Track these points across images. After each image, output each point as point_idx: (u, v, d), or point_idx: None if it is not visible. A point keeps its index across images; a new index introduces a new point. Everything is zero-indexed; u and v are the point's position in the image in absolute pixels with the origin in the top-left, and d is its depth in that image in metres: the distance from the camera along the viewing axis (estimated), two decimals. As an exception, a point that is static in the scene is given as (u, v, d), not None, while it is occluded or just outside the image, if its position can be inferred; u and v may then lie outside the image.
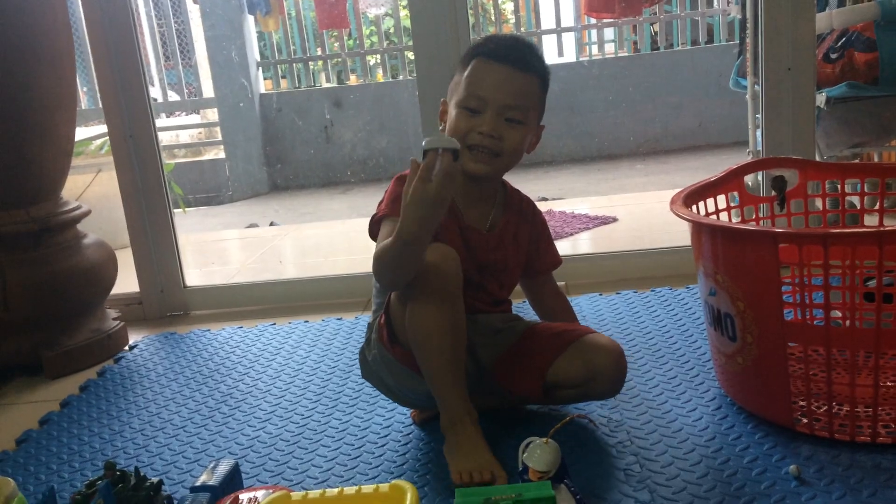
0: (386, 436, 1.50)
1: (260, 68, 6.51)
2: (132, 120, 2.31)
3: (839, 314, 1.37)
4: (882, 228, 1.26)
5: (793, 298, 1.30)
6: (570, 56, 6.65)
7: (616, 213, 3.43)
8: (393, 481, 0.95)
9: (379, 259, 1.27)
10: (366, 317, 2.20)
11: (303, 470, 1.41)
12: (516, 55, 1.38)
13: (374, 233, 1.40)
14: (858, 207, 1.70)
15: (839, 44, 2.48)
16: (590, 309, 2.10)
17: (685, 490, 1.24)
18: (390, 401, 1.64)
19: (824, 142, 2.55)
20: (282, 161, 6.39)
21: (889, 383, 1.28)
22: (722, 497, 1.21)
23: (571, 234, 3.15)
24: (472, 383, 1.37)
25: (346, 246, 3.50)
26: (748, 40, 2.62)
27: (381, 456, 1.43)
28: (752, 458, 1.31)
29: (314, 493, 0.95)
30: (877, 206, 1.62)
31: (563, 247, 3.01)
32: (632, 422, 1.46)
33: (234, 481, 1.25)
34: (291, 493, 0.96)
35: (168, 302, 2.41)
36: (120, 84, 2.30)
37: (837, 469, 1.25)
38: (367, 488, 0.95)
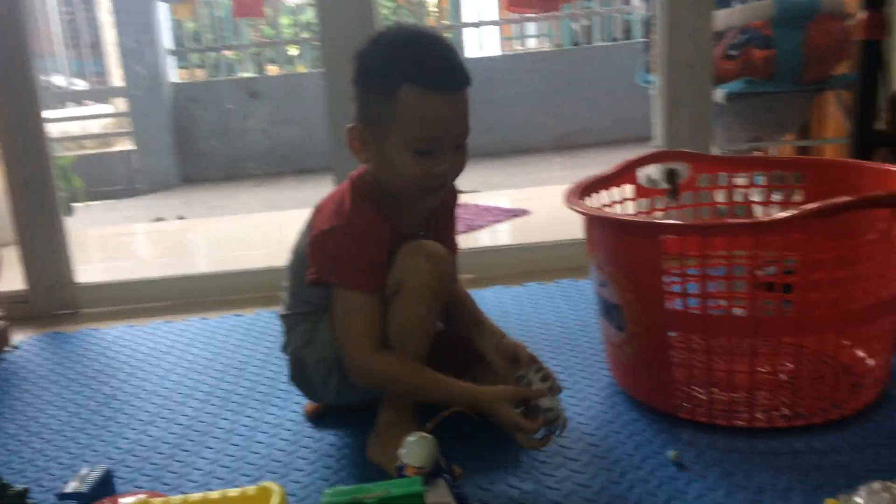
0: (274, 435, 1.47)
1: (174, 57, 6.32)
2: (17, 111, 2.20)
3: (724, 303, 1.40)
4: (757, 220, 1.29)
5: (681, 288, 1.32)
6: (490, 50, 6.68)
7: (530, 206, 3.46)
8: (261, 483, 0.92)
9: (397, 385, 1.30)
10: (266, 313, 2.15)
11: (183, 474, 1.36)
12: (454, 77, 1.23)
13: (315, 267, 1.32)
14: (755, 200, 1.74)
15: (739, 41, 2.54)
16: (493, 301, 2.10)
17: (569, 479, 1.25)
18: (284, 397, 1.60)
19: (724, 136, 2.61)
20: (194, 153, 6.22)
21: (764, 370, 1.32)
22: (604, 484, 1.23)
23: (483, 227, 3.16)
24: None
25: (252, 241, 3.42)
26: (654, 37, 2.67)
27: (266, 456, 1.39)
28: (636, 445, 1.33)
29: (176, 499, 0.91)
30: (770, 199, 1.66)
31: (475, 239, 3.02)
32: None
33: (105, 487, 1.20)
34: (151, 500, 0.91)
35: (56, 300, 2.30)
36: (3, 73, 2.18)
37: (715, 453, 1.28)
38: (233, 492, 0.92)
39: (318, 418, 1.50)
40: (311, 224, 1.35)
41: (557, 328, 1.88)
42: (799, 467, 1.22)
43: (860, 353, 1.36)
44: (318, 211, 1.36)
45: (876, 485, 0.94)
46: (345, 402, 1.44)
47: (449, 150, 1.25)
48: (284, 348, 1.44)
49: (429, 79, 1.21)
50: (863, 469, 1.19)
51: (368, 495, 0.85)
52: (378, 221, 1.29)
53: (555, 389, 1.28)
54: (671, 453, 1.28)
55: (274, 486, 0.90)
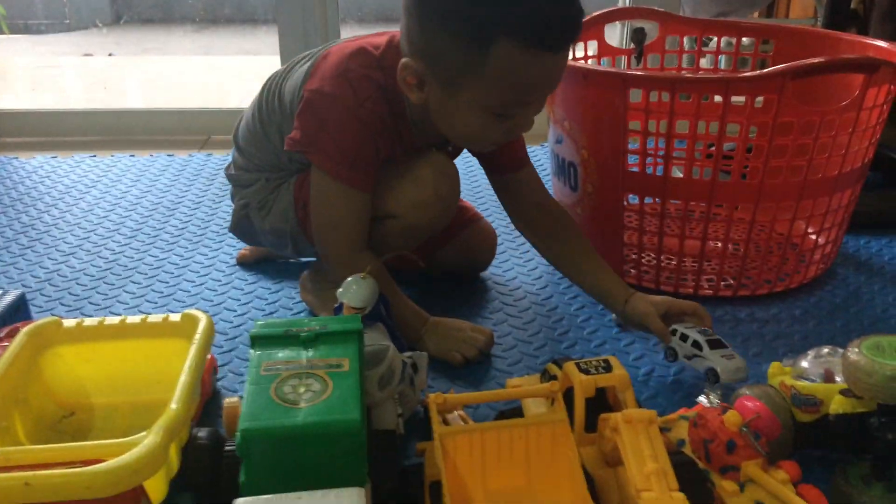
0: (205, 274, 1.39)
1: None
2: None
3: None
4: (729, 75, 1.22)
5: (633, 144, 1.26)
6: None
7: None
8: (186, 310, 0.85)
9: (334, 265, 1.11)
10: (200, 155, 2.02)
11: (106, 306, 1.28)
12: (570, 27, 0.97)
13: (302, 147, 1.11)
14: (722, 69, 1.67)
15: None
16: (441, 160, 2.02)
17: (511, 335, 1.22)
18: (216, 240, 1.52)
19: (690, 7, 2.51)
20: (128, -11, 5.77)
21: (715, 240, 1.29)
22: (545, 341, 1.20)
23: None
24: None
25: (188, 83, 3.22)
26: None
27: (196, 294, 1.32)
28: (580, 307, 1.31)
29: (91, 321, 0.84)
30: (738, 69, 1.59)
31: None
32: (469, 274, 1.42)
33: (18, 312, 1.11)
34: (64, 321, 0.84)
35: (-27, 126, 2.13)
36: None
37: (659, 318, 1.26)
38: (156, 317, 0.85)
39: (255, 263, 1.43)
40: (312, 72, 1.11)
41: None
42: (740, 335, 1.22)
43: (811, 229, 1.34)
44: (324, 58, 1.12)
45: (825, 349, 0.93)
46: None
47: (535, 111, 1.04)
48: (232, 198, 1.31)
49: (537, 32, 0.93)
50: (802, 339, 1.20)
51: (303, 329, 0.79)
52: (391, 119, 1.09)
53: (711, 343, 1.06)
54: (615, 316, 1.26)
55: (200, 314, 0.83)
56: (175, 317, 0.84)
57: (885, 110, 1.26)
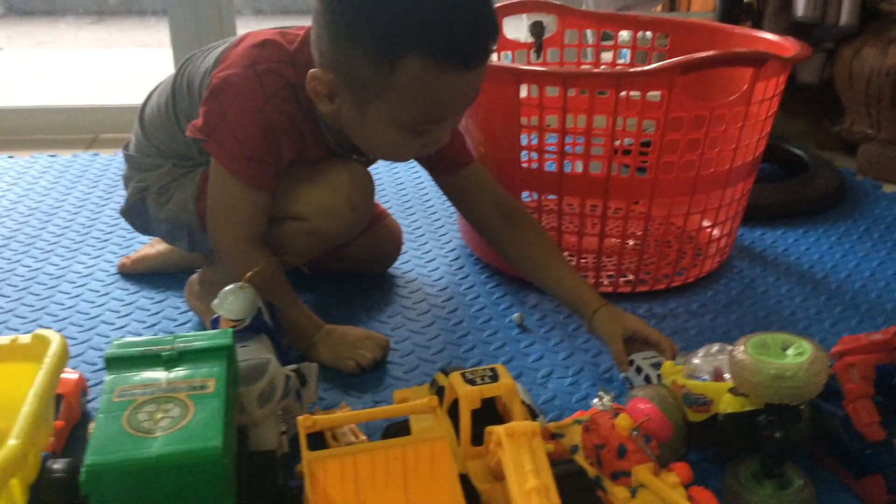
0: (83, 285, 1.30)
1: None
2: None
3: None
4: (619, 70, 1.21)
5: (528, 141, 1.23)
6: None
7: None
8: (36, 331, 0.78)
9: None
10: (86, 155, 1.91)
11: (-32, 322, 1.19)
12: (484, 42, 0.93)
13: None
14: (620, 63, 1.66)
15: None
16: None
17: (409, 339, 1.18)
18: (97, 246, 1.43)
19: (593, 0, 2.52)
20: (18, -21, 5.47)
21: (613, 236, 1.28)
22: (444, 346, 1.17)
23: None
24: None
25: (80, 78, 3.05)
26: None
27: (71, 307, 1.24)
28: (480, 308, 1.28)
29: (-71, 346, 0.76)
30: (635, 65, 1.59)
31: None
32: (366, 276, 1.38)
33: None
34: None
35: None
36: None
37: (559, 317, 1.25)
38: (2, 339, 0.78)
39: (136, 272, 1.34)
40: (223, 58, 1.06)
41: (411, 188, 1.78)
42: (638, 331, 1.21)
43: (706, 223, 1.35)
44: (236, 45, 1.07)
45: (715, 347, 0.92)
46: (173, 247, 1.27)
47: (451, 126, 1.01)
48: (126, 181, 1.21)
49: (448, 48, 0.89)
50: (699, 334, 1.20)
51: (165, 347, 0.73)
52: (301, 120, 1.04)
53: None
54: (515, 316, 1.23)
55: (52, 334, 0.76)
56: (25, 338, 0.77)
57: (774, 104, 1.27)
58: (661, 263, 1.31)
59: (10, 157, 1.89)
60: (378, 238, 1.33)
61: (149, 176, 1.16)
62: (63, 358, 0.74)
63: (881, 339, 0.85)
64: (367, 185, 1.11)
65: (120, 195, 1.64)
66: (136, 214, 1.20)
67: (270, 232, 1.08)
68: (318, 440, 0.91)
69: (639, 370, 1.02)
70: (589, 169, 1.23)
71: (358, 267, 1.35)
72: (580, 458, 0.85)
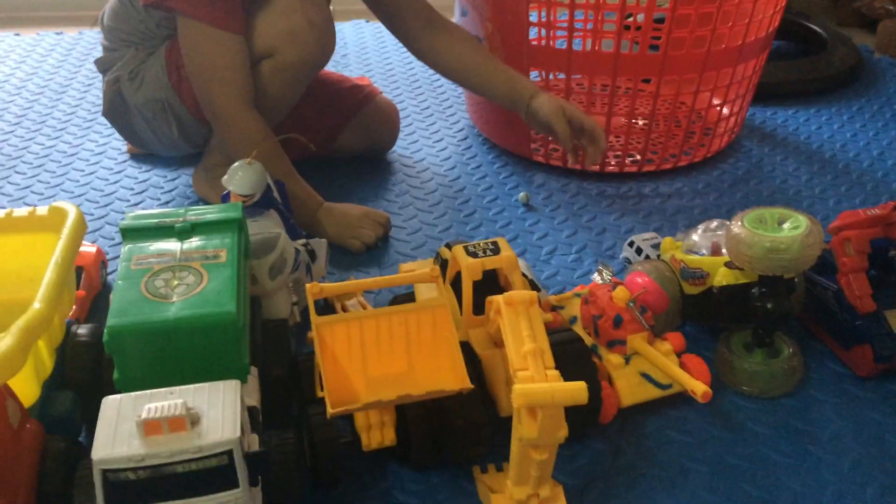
0: (96, 163, 1.33)
1: None
2: None
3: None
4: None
5: (538, 17, 1.21)
6: None
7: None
8: (53, 203, 0.80)
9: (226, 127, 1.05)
10: (92, 32, 1.88)
11: (-13, 197, 1.22)
12: None
13: None
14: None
15: None
16: (353, 35, 1.93)
17: (416, 217, 1.20)
18: (108, 126, 1.44)
19: None
20: None
21: (621, 115, 1.28)
22: (450, 223, 1.19)
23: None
24: None
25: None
26: None
27: (86, 184, 1.26)
28: (487, 187, 1.29)
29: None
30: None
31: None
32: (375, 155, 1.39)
33: None
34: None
35: None
36: None
37: (565, 196, 1.26)
38: (21, 211, 0.80)
39: (142, 157, 1.36)
40: None
41: (420, 67, 1.75)
42: (643, 210, 1.23)
43: (716, 101, 1.33)
44: None
45: (714, 223, 0.94)
46: (167, 152, 1.27)
47: None
48: (103, 73, 1.22)
49: None
50: (703, 212, 1.22)
51: (178, 219, 0.76)
52: None
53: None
54: (521, 195, 1.25)
55: (68, 206, 0.78)
56: (42, 210, 0.80)
57: (791, -23, 1.23)
58: (669, 143, 1.31)
59: (17, 34, 1.87)
60: (371, 120, 1.32)
61: (118, 67, 1.17)
62: (81, 228, 0.77)
63: (879, 215, 0.86)
64: (321, 2, 1.10)
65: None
66: (117, 112, 1.21)
67: None
68: (329, 311, 0.95)
69: (639, 251, 1.05)
70: (599, 46, 1.22)
71: (357, 154, 1.35)
72: (578, 329, 0.89)
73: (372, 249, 1.12)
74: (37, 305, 0.65)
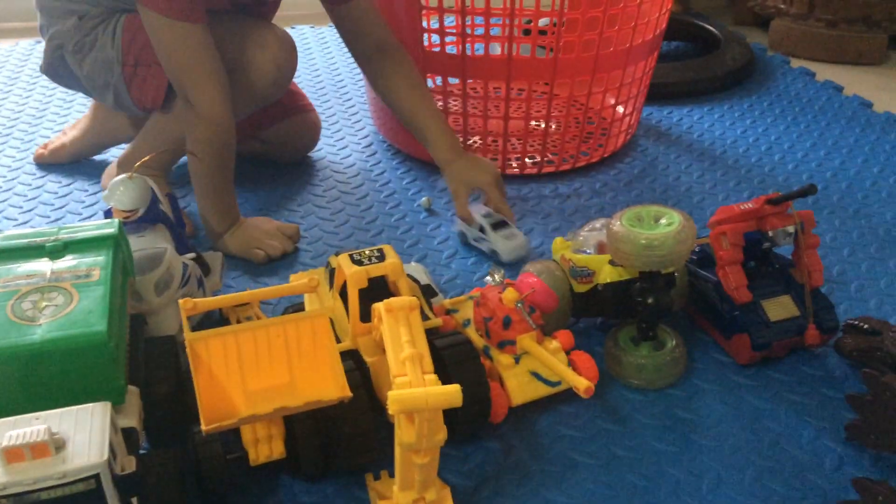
0: (13, 179, 1.28)
1: None
2: None
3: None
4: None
5: (428, 24, 1.22)
6: None
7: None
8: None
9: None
10: (29, 42, 1.82)
11: None
12: None
13: None
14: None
15: None
16: (258, 44, 1.91)
17: (317, 227, 1.20)
18: (22, 143, 1.39)
19: None
20: None
21: (517, 117, 1.30)
22: (352, 231, 1.19)
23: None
24: None
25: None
26: None
27: (4, 201, 1.22)
28: (390, 193, 1.30)
29: None
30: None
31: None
32: (278, 162, 1.38)
33: None
34: None
35: None
36: None
37: (467, 200, 1.28)
38: None
39: (47, 166, 1.32)
40: None
41: (326, 74, 1.75)
42: (543, 211, 1.25)
43: (610, 100, 1.37)
44: None
45: (599, 222, 0.96)
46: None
47: None
48: (42, 30, 1.18)
49: None
50: (600, 211, 1.24)
51: (49, 238, 0.74)
52: None
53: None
54: (423, 200, 1.26)
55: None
56: None
57: (674, -20, 1.27)
58: (568, 145, 1.34)
59: None
60: (297, 126, 1.34)
61: (61, 32, 1.15)
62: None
63: (751, 209, 0.90)
64: (291, 46, 1.13)
65: (35, 86, 1.60)
66: (56, 72, 1.20)
67: None
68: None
69: (481, 229, 1.11)
70: (489, 50, 1.23)
71: (273, 151, 1.36)
72: (471, 332, 0.90)
73: (274, 261, 1.11)
74: None
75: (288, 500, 0.75)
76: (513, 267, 1.08)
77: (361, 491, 0.76)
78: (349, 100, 1.64)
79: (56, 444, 0.57)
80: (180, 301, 0.68)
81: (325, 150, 1.43)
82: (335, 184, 1.32)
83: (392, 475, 0.76)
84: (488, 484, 0.77)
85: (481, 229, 1.10)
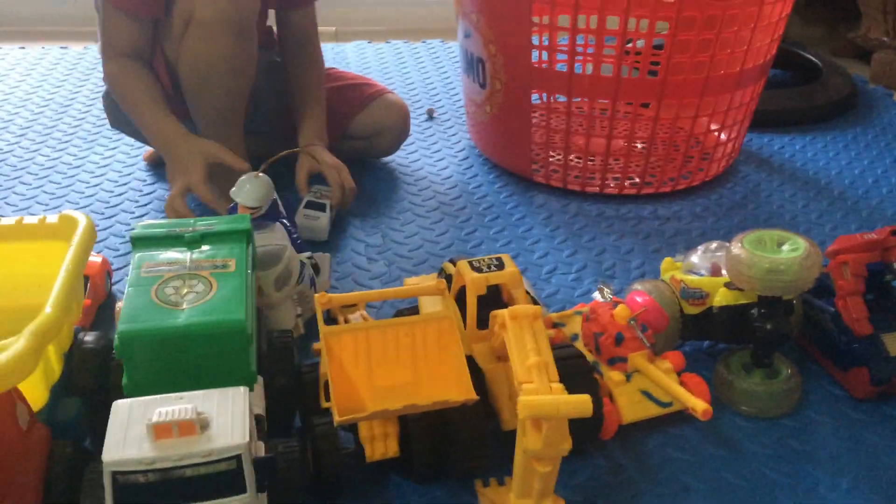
0: (101, 175, 1.33)
1: None
2: None
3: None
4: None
5: (539, 41, 1.23)
6: None
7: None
8: (63, 212, 0.81)
9: (122, 100, 1.15)
10: (97, 46, 1.90)
11: (-9, 207, 1.22)
12: None
13: None
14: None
15: None
16: (356, 56, 1.95)
17: (418, 235, 1.22)
18: (113, 139, 1.45)
19: None
20: None
21: (620, 137, 1.30)
22: (452, 241, 1.21)
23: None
24: (248, 123, 1.24)
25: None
26: None
27: (91, 195, 1.27)
28: (487, 206, 1.31)
29: (-38, 222, 0.80)
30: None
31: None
32: (377, 172, 1.40)
33: None
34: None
35: None
36: None
37: (564, 216, 1.28)
38: (31, 219, 0.81)
39: (156, 164, 1.37)
40: None
41: (421, 88, 1.78)
42: (642, 232, 1.24)
43: (714, 126, 1.36)
44: None
45: (714, 244, 0.96)
46: None
47: None
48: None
49: None
50: (702, 235, 1.23)
51: (188, 229, 0.77)
52: None
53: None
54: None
55: (78, 214, 0.79)
56: (52, 218, 0.81)
57: (787, 5, 1.26)
58: (668, 166, 1.33)
59: (22, 47, 1.89)
60: (382, 109, 1.36)
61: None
62: (91, 237, 0.78)
63: (875, 239, 0.88)
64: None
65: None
66: (118, 122, 1.28)
67: (179, 66, 1.14)
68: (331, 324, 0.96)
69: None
70: (599, 70, 1.24)
71: (368, 147, 1.38)
72: (579, 346, 0.89)
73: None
74: (48, 310, 0.66)
75: (398, 499, 0.76)
76: (618, 286, 1.07)
77: (470, 496, 0.76)
78: (444, 113, 1.66)
79: (202, 424, 0.59)
80: (315, 296, 0.69)
81: (422, 160, 1.45)
82: (433, 194, 1.34)
83: (501, 483, 0.76)
84: (598, 500, 0.76)
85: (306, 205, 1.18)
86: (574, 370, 0.78)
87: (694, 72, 1.21)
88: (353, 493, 0.76)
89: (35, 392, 0.68)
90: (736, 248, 0.84)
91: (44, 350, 0.64)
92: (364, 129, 1.36)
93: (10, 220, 0.80)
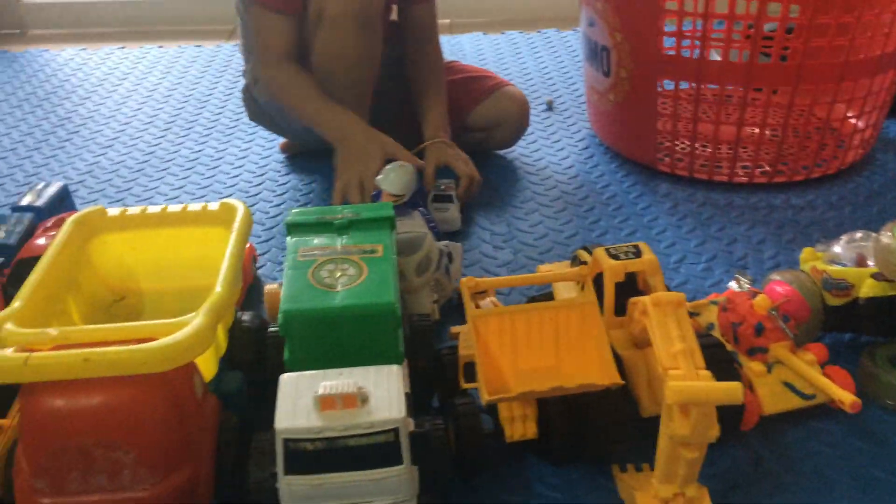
0: (241, 166, 1.41)
1: None
2: None
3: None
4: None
5: (671, 27, 1.22)
6: None
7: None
8: (223, 200, 0.87)
9: (287, 98, 1.23)
10: (229, 45, 2.00)
11: (146, 197, 1.31)
12: None
13: None
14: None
15: None
16: (472, 48, 1.98)
17: (542, 224, 1.23)
18: (248, 132, 1.53)
19: None
20: None
21: (752, 127, 1.27)
22: (576, 230, 1.21)
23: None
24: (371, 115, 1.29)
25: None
26: None
27: (233, 186, 1.35)
28: (611, 195, 1.31)
29: (134, 210, 0.87)
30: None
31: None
32: (499, 163, 1.42)
33: (63, 203, 1.14)
34: (108, 210, 0.86)
35: (1, 18, 2.12)
36: None
37: (691, 206, 1.26)
38: (195, 206, 0.87)
39: (291, 155, 1.44)
40: None
41: (538, 78, 1.79)
42: (774, 221, 1.21)
43: (851, 113, 1.30)
44: None
45: (858, 234, 0.93)
46: (312, 138, 1.36)
47: None
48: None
49: None
50: (837, 226, 1.19)
51: (336, 216, 0.81)
52: None
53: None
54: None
55: (237, 203, 0.85)
56: (214, 205, 0.86)
57: (936, -14, 1.20)
58: (801, 154, 1.29)
59: (160, 46, 2.01)
60: (499, 102, 1.38)
61: (246, 70, 1.34)
62: (249, 223, 0.83)
63: None
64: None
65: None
66: (258, 117, 1.37)
67: (312, 58, 1.20)
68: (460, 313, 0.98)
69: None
70: (728, 56, 1.21)
71: (487, 139, 1.40)
72: (716, 336, 0.89)
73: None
74: (219, 289, 0.71)
75: (535, 479, 0.78)
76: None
77: (607, 480, 0.77)
78: (563, 103, 1.66)
79: (362, 398, 0.62)
80: (462, 280, 0.72)
81: (542, 151, 1.46)
82: (556, 184, 1.35)
83: (639, 469, 0.77)
84: (739, 490, 0.76)
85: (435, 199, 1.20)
86: (714, 359, 0.78)
87: (831, 56, 1.17)
88: (491, 473, 0.78)
89: (207, 364, 0.73)
90: (885, 237, 0.81)
91: (217, 326, 0.69)
92: (483, 121, 1.38)
93: (176, 208, 0.87)
